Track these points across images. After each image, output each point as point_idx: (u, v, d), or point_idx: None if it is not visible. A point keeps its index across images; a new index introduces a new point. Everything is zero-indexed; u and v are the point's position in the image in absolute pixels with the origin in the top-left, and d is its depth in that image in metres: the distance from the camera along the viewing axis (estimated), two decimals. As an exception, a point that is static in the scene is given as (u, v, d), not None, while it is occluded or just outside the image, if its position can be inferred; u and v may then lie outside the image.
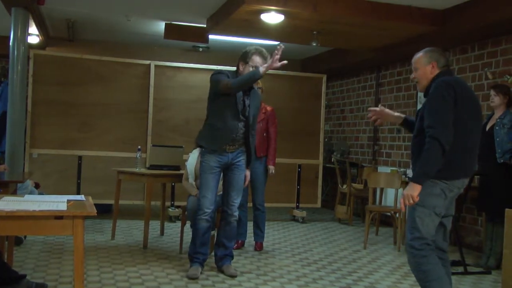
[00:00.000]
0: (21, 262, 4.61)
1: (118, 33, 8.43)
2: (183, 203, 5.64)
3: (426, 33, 6.35)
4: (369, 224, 6.17)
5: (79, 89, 7.05)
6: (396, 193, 6.21)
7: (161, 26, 7.65)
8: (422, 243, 3.19)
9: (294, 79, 8.01)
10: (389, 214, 6.87)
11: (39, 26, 7.39)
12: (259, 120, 5.43)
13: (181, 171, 5.66)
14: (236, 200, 4.58)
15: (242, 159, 4.53)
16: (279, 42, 4.23)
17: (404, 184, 5.99)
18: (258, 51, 4.42)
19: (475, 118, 3.30)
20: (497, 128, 5.09)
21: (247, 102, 4.46)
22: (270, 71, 7.95)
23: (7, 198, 3.09)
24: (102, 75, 7.14)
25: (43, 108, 6.91)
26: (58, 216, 2.64)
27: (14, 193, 4.39)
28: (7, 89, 6.55)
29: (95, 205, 2.96)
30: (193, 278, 4.36)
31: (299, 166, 7.82)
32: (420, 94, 6.93)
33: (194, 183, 5.23)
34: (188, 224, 5.26)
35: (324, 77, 8.08)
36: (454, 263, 4.98)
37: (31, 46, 7.37)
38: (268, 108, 5.63)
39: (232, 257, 4.70)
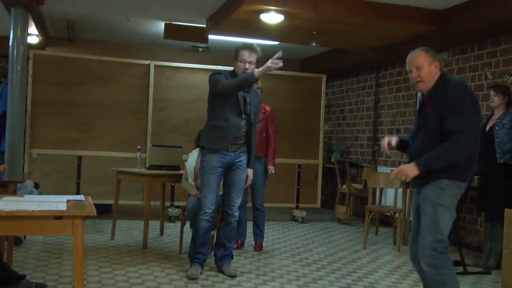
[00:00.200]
0: (20, 262, 4.61)
1: (118, 33, 8.43)
2: (183, 203, 5.64)
3: (426, 33, 6.36)
4: (369, 224, 6.18)
5: (78, 89, 7.05)
6: (396, 193, 6.21)
7: (160, 26, 7.65)
8: (444, 246, 3.14)
9: (293, 79, 8.01)
10: (388, 214, 6.87)
11: (39, 26, 7.39)
12: (258, 120, 5.43)
13: (181, 171, 5.66)
14: (237, 201, 4.58)
15: (243, 159, 4.52)
16: (279, 49, 4.21)
17: (403, 184, 5.99)
18: (245, 45, 4.44)
19: (480, 119, 3.35)
20: (497, 128, 5.09)
21: (247, 99, 4.46)
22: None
23: (7, 198, 3.09)
24: (102, 75, 7.15)
25: (43, 108, 6.91)
26: (57, 216, 2.63)
27: (13, 193, 4.39)
28: (7, 89, 6.55)
29: (95, 205, 2.96)
30: (193, 278, 4.35)
31: (299, 166, 7.82)
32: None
33: (193, 183, 5.22)
34: (187, 224, 5.26)
35: (324, 77, 8.08)
36: (454, 263, 4.95)
37: (30, 46, 7.38)
38: (268, 108, 5.63)
39: (231, 257, 4.70)
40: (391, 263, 5.34)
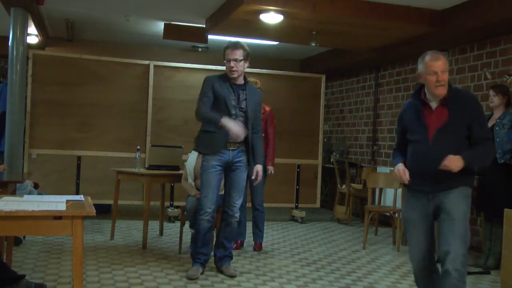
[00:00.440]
0: (20, 262, 4.61)
1: (117, 33, 8.43)
2: (182, 203, 5.64)
3: (425, 33, 6.35)
4: (368, 224, 6.17)
5: (78, 89, 7.05)
6: (395, 193, 6.21)
7: (160, 26, 7.64)
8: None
9: (293, 79, 8.01)
10: (388, 214, 6.87)
11: (38, 26, 7.39)
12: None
13: (180, 171, 5.66)
14: (238, 201, 4.55)
15: (242, 159, 4.49)
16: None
17: (402, 184, 5.98)
18: (228, 44, 4.46)
19: None
20: (497, 128, 5.09)
21: (242, 96, 4.44)
22: (269, 71, 8.01)
23: (6, 198, 3.09)
24: (101, 75, 7.15)
25: (42, 108, 6.91)
26: (57, 216, 2.64)
27: (13, 193, 4.39)
28: (6, 89, 6.55)
29: (94, 205, 2.96)
30: (192, 279, 4.35)
31: (298, 166, 7.83)
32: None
33: (193, 183, 5.23)
34: (187, 224, 5.26)
35: (323, 77, 8.08)
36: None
37: (30, 46, 7.37)
38: (267, 109, 5.63)
39: (231, 257, 4.70)
40: (390, 263, 5.34)
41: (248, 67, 4.51)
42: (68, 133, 7.00)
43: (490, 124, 5.18)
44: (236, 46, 4.38)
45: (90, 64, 7.13)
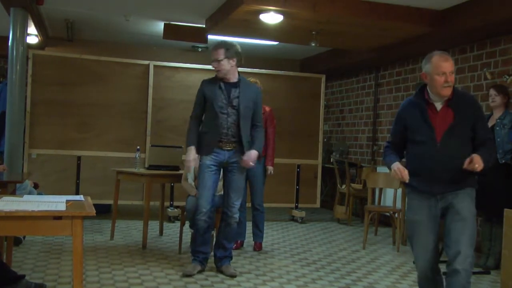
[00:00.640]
0: (20, 263, 4.61)
1: (117, 33, 8.43)
2: (182, 203, 5.64)
3: (425, 33, 6.35)
4: (368, 224, 6.17)
5: (78, 89, 7.05)
6: (395, 193, 6.21)
7: (160, 26, 7.64)
8: None
9: (293, 79, 8.01)
10: (388, 214, 6.87)
11: (38, 26, 7.39)
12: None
13: (180, 171, 5.66)
14: (236, 202, 4.55)
15: (238, 160, 4.48)
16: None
17: (403, 184, 5.98)
18: (213, 45, 4.56)
19: None
20: (497, 128, 5.08)
21: (234, 94, 4.45)
22: (269, 71, 8.01)
23: (6, 198, 3.09)
24: (101, 75, 7.15)
25: (42, 108, 6.91)
26: (57, 217, 2.64)
27: (13, 193, 4.39)
28: (6, 89, 6.55)
29: (94, 205, 2.97)
30: (188, 275, 4.39)
31: (298, 166, 7.83)
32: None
33: (193, 183, 5.23)
34: (187, 224, 5.26)
35: (323, 77, 8.08)
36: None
37: (30, 46, 7.37)
38: (267, 109, 5.63)
39: (231, 258, 4.70)
40: (390, 263, 5.34)
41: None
42: (68, 133, 6.99)
43: (490, 124, 5.18)
44: (217, 46, 4.46)
45: (90, 64, 7.13)
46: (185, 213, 5.20)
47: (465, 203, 3.18)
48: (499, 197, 4.91)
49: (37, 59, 6.93)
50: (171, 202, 7.30)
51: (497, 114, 5.18)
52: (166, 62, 7.62)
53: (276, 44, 8.25)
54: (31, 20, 6.78)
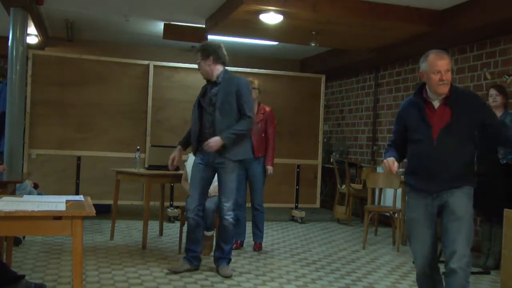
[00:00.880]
0: (20, 263, 4.61)
1: (116, 33, 8.43)
2: (182, 204, 5.64)
3: (425, 33, 6.35)
4: (368, 224, 6.17)
5: (78, 89, 7.05)
6: (395, 193, 6.21)
7: (160, 26, 7.64)
8: None
9: (293, 79, 8.01)
10: (388, 214, 6.87)
11: (38, 26, 7.39)
12: (258, 121, 5.43)
13: (180, 172, 5.66)
14: (226, 204, 4.51)
15: (224, 161, 4.46)
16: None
17: (403, 184, 5.99)
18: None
19: None
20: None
21: (213, 91, 4.50)
22: (269, 71, 8.01)
23: (6, 198, 3.09)
24: (101, 75, 7.14)
25: (42, 109, 6.91)
26: (57, 217, 2.64)
27: (13, 193, 4.39)
28: (6, 89, 6.55)
29: (94, 205, 2.96)
30: (173, 272, 4.48)
31: (298, 166, 7.82)
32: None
33: (193, 183, 5.22)
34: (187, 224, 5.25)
35: (323, 77, 8.08)
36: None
37: (30, 46, 7.37)
38: (267, 109, 5.63)
39: (229, 259, 4.67)
40: (390, 263, 5.34)
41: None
42: (68, 133, 6.99)
43: (490, 124, 5.18)
44: (196, 50, 4.64)
45: (90, 64, 7.13)
46: (185, 213, 5.19)
47: (460, 202, 3.18)
48: (499, 197, 4.92)
49: (37, 59, 6.93)
50: (171, 202, 7.30)
51: (497, 114, 5.18)
52: (166, 62, 7.61)
53: (276, 44, 8.25)
54: (31, 20, 6.78)
